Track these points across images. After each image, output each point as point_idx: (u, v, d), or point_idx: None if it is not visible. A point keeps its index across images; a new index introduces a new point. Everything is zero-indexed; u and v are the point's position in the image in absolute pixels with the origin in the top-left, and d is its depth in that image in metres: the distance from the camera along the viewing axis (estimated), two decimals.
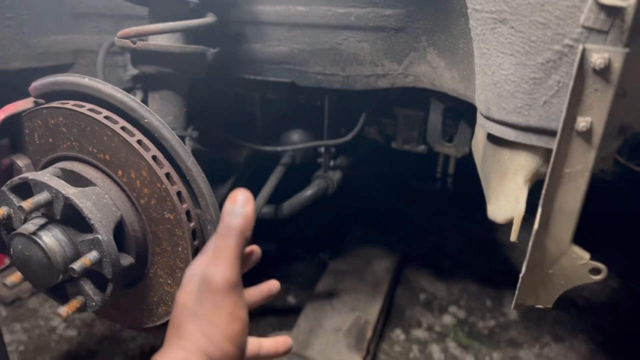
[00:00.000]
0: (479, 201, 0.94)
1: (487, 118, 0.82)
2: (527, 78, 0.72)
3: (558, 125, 0.68)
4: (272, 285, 0.77)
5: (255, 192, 1.47)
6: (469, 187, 1.84)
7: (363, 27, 1.18)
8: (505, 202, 0.82)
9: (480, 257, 2.26)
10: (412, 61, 1.17)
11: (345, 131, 1.51)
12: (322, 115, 1.46)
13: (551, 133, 0.73)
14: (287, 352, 0.75)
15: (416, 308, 1.95)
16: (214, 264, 0.60)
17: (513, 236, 0.79)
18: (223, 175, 1.44)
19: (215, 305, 0.60)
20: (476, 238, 2.37)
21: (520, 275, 0.79)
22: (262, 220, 1.39)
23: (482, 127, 0.85)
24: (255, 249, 0.75)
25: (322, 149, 1.51)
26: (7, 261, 1.81)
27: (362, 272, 2.00)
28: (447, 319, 1.90)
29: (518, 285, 0.80)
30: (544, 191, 0.72)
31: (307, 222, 2.40)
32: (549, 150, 0.74)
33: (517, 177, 0.81)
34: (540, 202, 0.73)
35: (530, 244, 0.75)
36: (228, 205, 0.61)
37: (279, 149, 1.49)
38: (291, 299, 1.97)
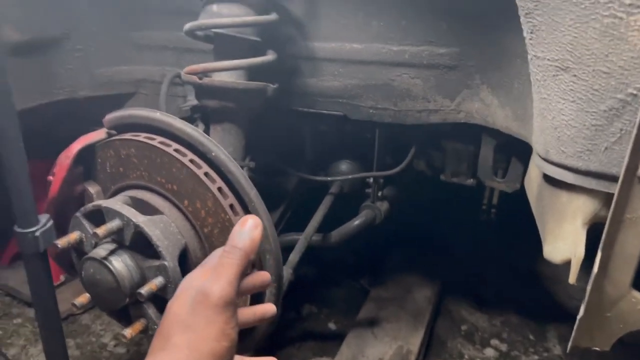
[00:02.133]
0: (521, 232, 0.95)
1: (545, 160, 0.84)
2: (589, 124, 0.74)
3: (619, 170, 0.69)
4: (267, 309, 0.77)
5: (303, 221, 1.52)
6: (511, 218, 1.84)
7: (417, 65, 1.22)
8: (563, 243, 0.84)
9: (521, 288, 2.23)
10: (465, 98, 1.20)
11: (392, 161, 1.54)
12: (371, 147, 1.49)
13: (612, 178, 0.75)
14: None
15: (457, 339, 1.94)
16: (214, 278, 0.61)
17: (572, 278, 0.80)
18: (273, 203, 1.49)
19: (208, 319, 0.60)
20: (517, 269, 2.34)
21: (578, 317, 0.79)
22: (311, 247, 1.42)
23: (540, 168, 0.87)
24: (265, 275, 0.76)
25: (371, 180, 1.55)
26: (62, 277, 1.89)
27: (403, 300, 2.00)
28: (489, 352, 1.88)
29: (575, 327, 0.81)
30: (604, 235, 0.73)
31: (346, 247, 2.42)
32: (609, 195, 0.75)
33: (575, 219, 0.82)
34: (600, 245, 0.74)
35: (589, 287, 0.76)
36: (237, 227, 0.64)
37: (329, 179, 1.52)
38: (332, 325, 1.98)
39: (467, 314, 2.07)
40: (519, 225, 1.04)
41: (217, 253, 0.67)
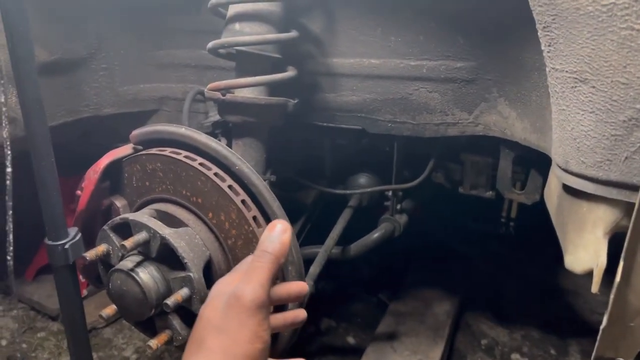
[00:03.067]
0: (541, 246, 0.96)
1: (565, 170, 0.85)
2: (608, 135, 0.75)
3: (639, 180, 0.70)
4: (298, 313, 0.78)
5: (322, 234, 1.53)
6: (530, 231, 1.83)
7: (434, 79, 1.23)
8: (585, 253, 0.84)
9: (541, 302, 2.21)
10: (483, 111, 1.21)
11: (410, 174, 1.55)
12: (389, 160, 1.51)
13: (633, 187, 0.75)
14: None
15: (478, 354, 1.93)
16: (246, 282, 0.63)
17: (594, 288, 0.80)
18: (293, 217, 1.50)
19: (241, 322, 0.61)
20: (537, 283, 2.32)
21: (601, 327, 0.79)
22: (331, 260, 1.43)
23: (559, 179, 0.88)
24: (301, 285, 0.78)
25: (390, 193, 1.56)
26: (85, 292, 1.92)
27: (422, 314, 1.99)
28: None
29: (598, 337, 0.81)
30: (625, 245, 0.73)
31: (364, 261, 2.43)
32: (630, 204, 0.76)
33: (596, 229, 0.82)
34: (622, 255, 0.74)
35: (612, 296, 0.76)
36: (266, 232, 0.66)
37: (348, 192, 1.54)
38: (351, 339, 1.98)
39: (487, 328, 2.06)
40: (539, 238, 1.05)
41: (247, 260, 0.69)
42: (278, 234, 0.66)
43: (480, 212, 1.89)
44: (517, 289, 2.30)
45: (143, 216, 0.99)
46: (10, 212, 0.86)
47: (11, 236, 0.88)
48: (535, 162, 1.31)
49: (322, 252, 1.37)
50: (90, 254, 0.99)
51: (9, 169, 0.85)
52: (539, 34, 0.80)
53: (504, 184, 1.34)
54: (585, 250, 0.84)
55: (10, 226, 0.87)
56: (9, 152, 0.86)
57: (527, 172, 1.34)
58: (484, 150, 1.41)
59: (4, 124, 0.93)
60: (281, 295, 0.74)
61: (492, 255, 2.51)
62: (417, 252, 2.47)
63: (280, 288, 0.75)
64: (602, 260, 0.80)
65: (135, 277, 0.96)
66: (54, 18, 1.39)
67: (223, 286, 0.66)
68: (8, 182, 0.87)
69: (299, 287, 0.78)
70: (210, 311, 0.64)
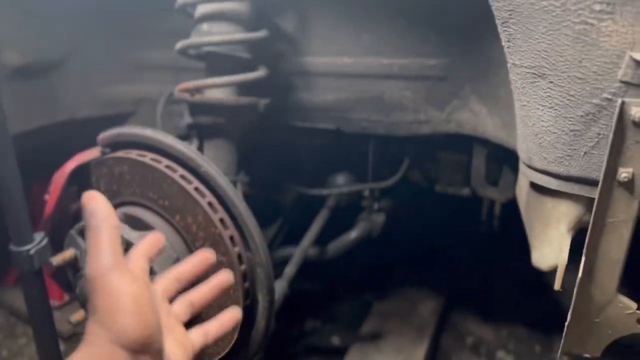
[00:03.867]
0: (525, 244, 0.96)
1: (529, 167, 0.84)
2: (567, 130, 0.74)
3: (599, 175, 0.70)
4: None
5: (301, 234, 1.52)
6: (514, 229, 1.82)
7: (406, 77, 1.23)
8: (549, 249, 0.83)
9: (527, 300, 2.21)
10: (455, 108, 1.21)
11: (388, 173, 1.55)
12: (366, 159, 1.50)
13: (593, 182, 0.75)
14: (234, 323, 0.77)
15: (463, 352, 1.92)
16: (89, 261, 0.61)
17: (557, 284, 0.80)
18: (270, 217, 1.50)
19: (100, 291, 0.60)
20: (523, 281, 2.32)
21: (566, 323, 0.79)
22: (313, 261, 1.43)
23: (525, 175, 0.87)
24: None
25: (367, 192, 1.55)
26: (66, 297, 1.91)
27: (407, 314, 1.99)
28: None
29: (564, 334, 0.80)
30: (587, 240, 0.73)
31: (349, 262, 2.42)
32: (592, 199, 0.75)
33: (560, 225, 0.82)
34: (584, 250, 0.74)
35: (575, 292, 0.76)
36: (83, 212, 0.65)
37: (325, 192, 1.53)
38: (335, 340, 1.97)
39: (473, 326, 2.06)
40: (523, 235, 1.05)
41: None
42: (94, 204, 0.65)
43: (463, 210, 1.89)
44: (503, 287, 2.29)
45: None
46: None
47: None
48: (508, 159, 1.30)
49: (298, 252, 1.36)
50: (57, 259, 0.98)
51: None
52: (498, 29, 0.80)
53: (478, 181, 1.33)
54: (550, 246, 0.83)
55: None
56: None
57: (501, 169, 1.34)
58: (458, 148, 1.40)
59: None
60: (188, 271, 0.75)
61: (476, 254, 2.51)
62: (401, 251, 2.47)
63: (184, 263, 0.76)
64: (563, 257, 0.79)
65: None
66: (27, 20, 1.37)
67: None
68: None
69: (200, 257, 0.77)
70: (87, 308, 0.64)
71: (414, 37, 1.21)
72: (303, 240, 1.39)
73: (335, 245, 1.52)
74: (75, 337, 1.88)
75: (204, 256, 0.77)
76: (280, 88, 1.35)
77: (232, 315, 0.77)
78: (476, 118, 1.17)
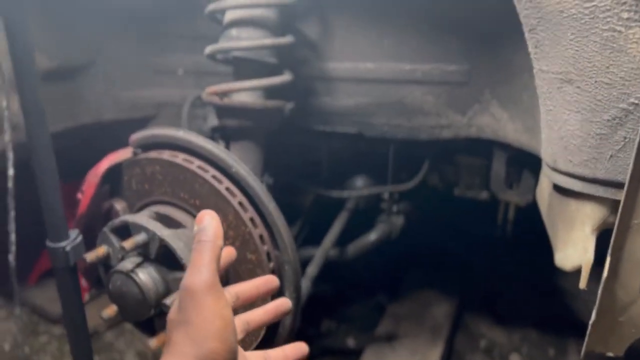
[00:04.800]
0: (538, 248, 0.97)
1: (554, 169, 0.87)
2: (594, 133, 0.77)
3: (625, 177, 0.72)
4: (280, 303, 0.79)
5: (320, 235, 1.55)
6: (527, 233, 1.84)
7: (428, 82, 1.26)
8: (573, 250, 0.86)
9: (540, 303, 2.22)
10: (476, 113, 1.23)
11: (407, 176, 1.57)
12: (386, 162, 1.53)
13: (618, 185, 0.77)
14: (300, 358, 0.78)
15: (476, 355, 1.94)
16: (191, 272, 0.64)
17: (582, 283, 0.82)
18: (291, 219, 1.52)
19: (196, 307, 0.62)
20: (535, 284, 2.33)
21: (590, 322, 0.81)
22: (329, 262, 1.45)
23: (549, 178, 0.90)
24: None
25: (386, 195, 1.58)
26: (87, 296, 1.94)
27: (421, 316, 2.01)
28: None
29: (588, 332, 0.82)
30: (612, 241, 0.75)
31: (362, 263, 2.44)
32: (616, 201, 0.78)
33: (584, 226, 0.84)
34: (609, 251, 0.76)
35: (600, 291, 0.78)
36: (196, 227, 0.68)
37: (344, 194, 1.56)
38: (350, 341, 2.00)
39: (486, 329, 2.07)
40: (536, 240, 1.06)
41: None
42: (207, 222, 0.67)
43: (478, 213, 1.91)
44: (515, 290, 2.31)
45: (142, 218, 1.01)
46: (12, 212, 0.88)
47: (13, 236, 0.90)
48: (528, 163, 1.32)
49: (320, 253, 1.39)
50: (90, 256, 1.01)
51: (11, 172, 0.87)
52: (525, 36, 0.82)
53: (498, 185, 1.36)
54: (574, 247, 0.86)
55: (12, 229, 0.88)
56: (12, 157, 0.88)
57: (521, 173, 1.36)
58: (478, 152, 1.43)
59: (6, 130, 0.95)
60: (249, 290, 0.77)
61: (490, 257, 2.52)
62: (415, 254, 2.49)
63: (247, 283, 0.78)
64: (589, 257, 0.82)
65: (135, 278, 0.98)
66: (54, 25, 1.41)
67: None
68: (10, 185, 0.89)
69: (265, 280, 0.80)
70: (170, 313, 0.66)
71: (435, 42, 1.23)
72: (324, 241, 1.42)
73: (355, 247, 1.55)
74: (95, 335, 1.91)
75: (269, 279, 0.80)
76: (302, 92, 1.38)
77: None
78: (497, 123, 1.19)
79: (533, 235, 1.26)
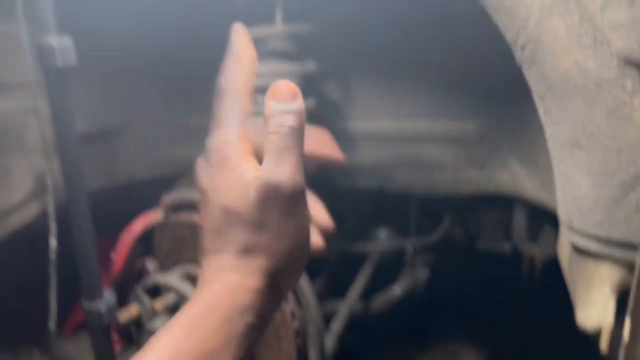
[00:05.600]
0: (566, 299, 0.97)
1: (571, 229, 0.88)
2: (606, 197, 0.79)
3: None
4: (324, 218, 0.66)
5: (344, 290, 1.57)
6: (554, 285, 1.82)
7: (446, 139, 1.30)
8: (594, 310, 0.86)
9: (570, 357, 2.16)
10: (495, 169, 1.26)
11: (431, 229, 1.59)
12: (409, 214, 1.56)
13: (634, 247, 0.79)
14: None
15: None
16: (279, 167, 0.50)
17: (603, 346, 0.82)
18: (314, 273, 1.55)
19: (283, 214, 0.51)
20: (565, 337, 2.27)
21: None
22: (354, 315, 1.46)
23: (566, 238, 0.91)
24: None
25: (409, 248, 1.60)
26: (118, 349, 1.97)
27: None
28: None
29: None
30: (630, 304, 0.76)
31: (390, 315, 2.42)
32: (633, 263, 0.79)
33: (603, 286, 0.85)
34: (629, 313, 0.76)
35: (621, 355, 0.78)
36: (273, 103, 0.52)
37: (368, 247, 1.59)
38: None
39: None
40: (564, 292, 1.06)
41: (223, 142, 0.57)
42: (290, 102, 0.52)
43: (504, 264, 1.90)
44: (545, 342, 2.25)
45: (172, 279, 1.06)
46: (54, 280, 0.94)
47: (54, 306, 0.95)
48: (550, 217, 1.33)
49: (344, 308, 1.40)
50: (123, 316, 1.06)
51: (53, 244, 0.93)
52: (536, 102, 0.86)
53: (520, 238, 1.37)
54: (594, 307, 0.86)
55: (54, 296, 0.94)
56: (55, 229, 0.95)
57: (543, 227, 1.37)
58: (499, 205, 1.44)
59: (49, 191, 1.02)
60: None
61: (518, 308, 2.48)
62: (442, 303, 2.46)
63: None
64: (609, 319, 0.82)
65: None
66: (93, 92, 1.51)
67: (242, 171, 0.53)
68: (52, 257, 0.95)
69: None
70: (236, 202, 0.52)
71: (452, 102, 1.28)
72: (349, 296, 1.44)
73: (380, 301, 1.56)
74: None
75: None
76: None
77: None
78: (516, 179, 1.22)
79: (561, 287, 1.26)
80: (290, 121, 0.51)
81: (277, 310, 0.57)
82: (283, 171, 0.50)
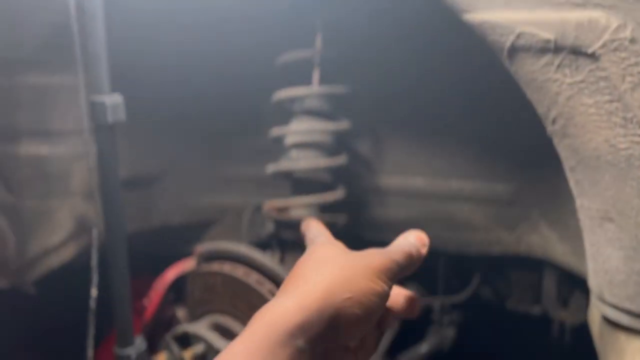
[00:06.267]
0: None
1: (601, 300, 0.88)
2: (637, 271, 0.79)
3: None
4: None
5: None
6: (586, 352, 1.77)
7: (476, 199, 1.31)
8: None
9: None
10: (525, 231, 1.27)
11: (459, 286, 1.58)
12: (437, 271, 1.55)
13: None
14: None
15: None
16: (378, 254, 0.60)
17: None
18: None
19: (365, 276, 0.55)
20: None
21: None
22: None
23: (596, 308, 0.91)
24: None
25: (437, 305, 1.59)
26: None
27: None
28: None
29: None
30: None
31: None
32: None
33: (635, 359, 0.84)
34: None
35: None
36: (417, 242, 0.66)
37: None
38: None
39: None
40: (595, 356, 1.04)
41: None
42: (422, 246, 0.66)
43: (533, 328, 1.86)
44: None
45: (201, 328, 1.08)
46: (92, 331, 0.97)
47: (92, 341, 0.99)
48: (580, 282, 1.32)
49: None
50: None
51: (94, 294, 0.98)
52: (566, 173, 0.87)
53: (549, 302, 1.35)
54: None
55: (90, 344, 0.97)
56: (96, 278, 1.00)
57: (573, 292, 1.35)
58: (529, 267, 1.43)
59: (94, 243, 1.06)
60: None
61: None
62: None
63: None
64: None
65: None
66: (134, 141, 1.57)
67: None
68: (92, 306, 0.99)
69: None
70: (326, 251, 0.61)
71: (482, 162, 1.30)
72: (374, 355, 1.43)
73: (406, 359, 1.55)
74: None
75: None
76: (355, 204, 1.46)
77: None
78: (546, 242, 1.22)
79: (591, 353, 1.23)
80: (407, 247, 0.64)
81: (332, 344, 0.54)
82: (377, 257, 0.60)
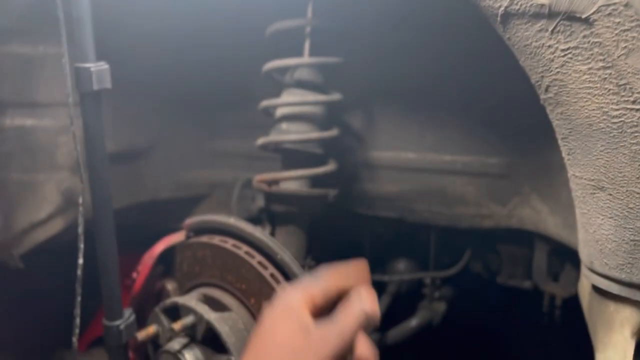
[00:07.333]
0: (587, 339, 0.96)
1: (591, 270, 0.88)
2: (628, 239, 0.78)
3: None
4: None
5: None
6: (578, 320, 1.78)
7: (468, 173, 1.30)
8: (613, 353, 0.85)
9: None
10: (516, 204, 1.26)
11: (449, 261, 1.59)
12: (428, 246, 1.55)
13: None
14: None
15: None
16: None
17: None
18: None
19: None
20: None
21: None
22: None
23: (587, 278, 0.91)
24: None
25: (428, 280, 1.59)
26: None
27: None
28: None
29: None
30: None
31: (406, 350, 2.39)
32: None
33: (623, 329, 0.84)
34: None
35: None
36: (368, 305, 0.67)
37: (386, 278, 1.58)
38: None
39: None
40: (585, 332, 1.05)
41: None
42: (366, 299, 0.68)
43: (523, 301, 1.87)
44: None
45: (191, 300, 1.07)
46: (79, 298, 0.96)
47: (78, 320, 0.98)
48: (571, 256, 1.32)
49: None
50: (141, 335, 1.07)
51: (80, 261, 0.96)
52: (559, 142, 0.86)
53: (540, 275, 1.35)
54: (614, 350, 0.85)
55: (77, 313, 0.96)
56: (82, 247, 0.98)
57: (564, 265, 1.35)
58: (520, 241, 1.44)
59: (80, 212, 1.04)
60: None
61: (536, 346, 2.42)
62: (459, 339, 2.42)
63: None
64: None
65: (182, 358, 1.02)
66: (121, 115, 1.54)
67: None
68: (79, 273, 0.98)
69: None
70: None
71: (475, 136, 1.29)
72: None
73: (396, 333, 1.55)
74: None
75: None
76: (347, 178, 1.45)
77: None
78: (537, 215, 1.21)
79: (582, 325, 1.24)
80: (370, 318, 0.67)
81: None
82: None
